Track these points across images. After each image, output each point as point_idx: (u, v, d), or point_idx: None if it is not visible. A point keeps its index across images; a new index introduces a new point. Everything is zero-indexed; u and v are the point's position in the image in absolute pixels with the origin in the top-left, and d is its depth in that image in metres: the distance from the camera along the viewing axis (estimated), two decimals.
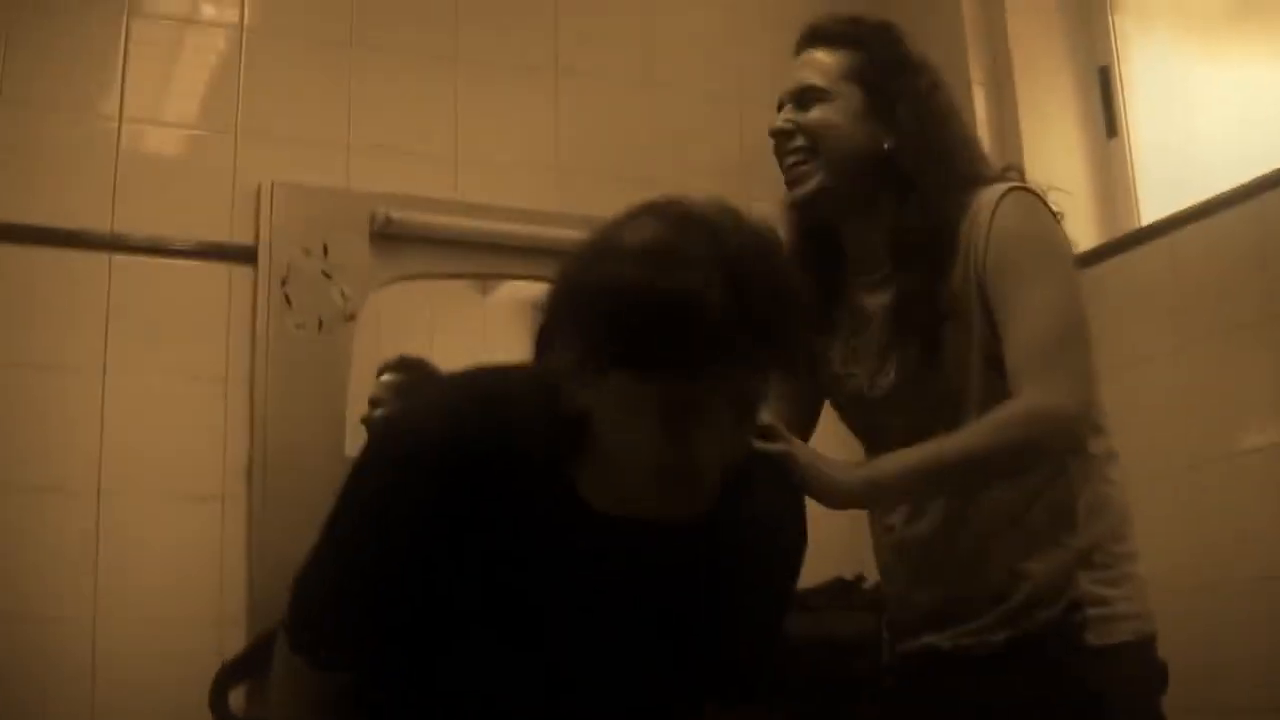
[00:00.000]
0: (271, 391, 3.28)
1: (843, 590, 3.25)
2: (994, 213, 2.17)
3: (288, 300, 3.33)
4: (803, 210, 2.32)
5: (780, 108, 2.33)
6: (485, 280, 3.72)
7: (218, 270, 3.35)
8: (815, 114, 2.27)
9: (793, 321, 1.60)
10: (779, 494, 1.89)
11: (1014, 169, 2.32)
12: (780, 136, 2.30)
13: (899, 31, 2.35)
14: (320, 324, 3.33)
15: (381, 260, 3.42)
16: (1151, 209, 3.51)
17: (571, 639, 1.75)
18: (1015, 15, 3.77)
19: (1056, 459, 2.19)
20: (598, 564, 1.71)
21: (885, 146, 2.24)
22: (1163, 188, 3.54)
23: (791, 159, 2.29)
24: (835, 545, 3.20)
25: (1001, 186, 2.22)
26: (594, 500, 1.67)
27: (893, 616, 2.41)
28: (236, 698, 3.04)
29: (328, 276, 3.38)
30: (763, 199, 3.75)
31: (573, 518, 1.68)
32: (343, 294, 3.37)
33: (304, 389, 3.06)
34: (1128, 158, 3.67)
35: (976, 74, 3.76)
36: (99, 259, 3.24)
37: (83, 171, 3.28)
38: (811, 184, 2.27)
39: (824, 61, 2.30)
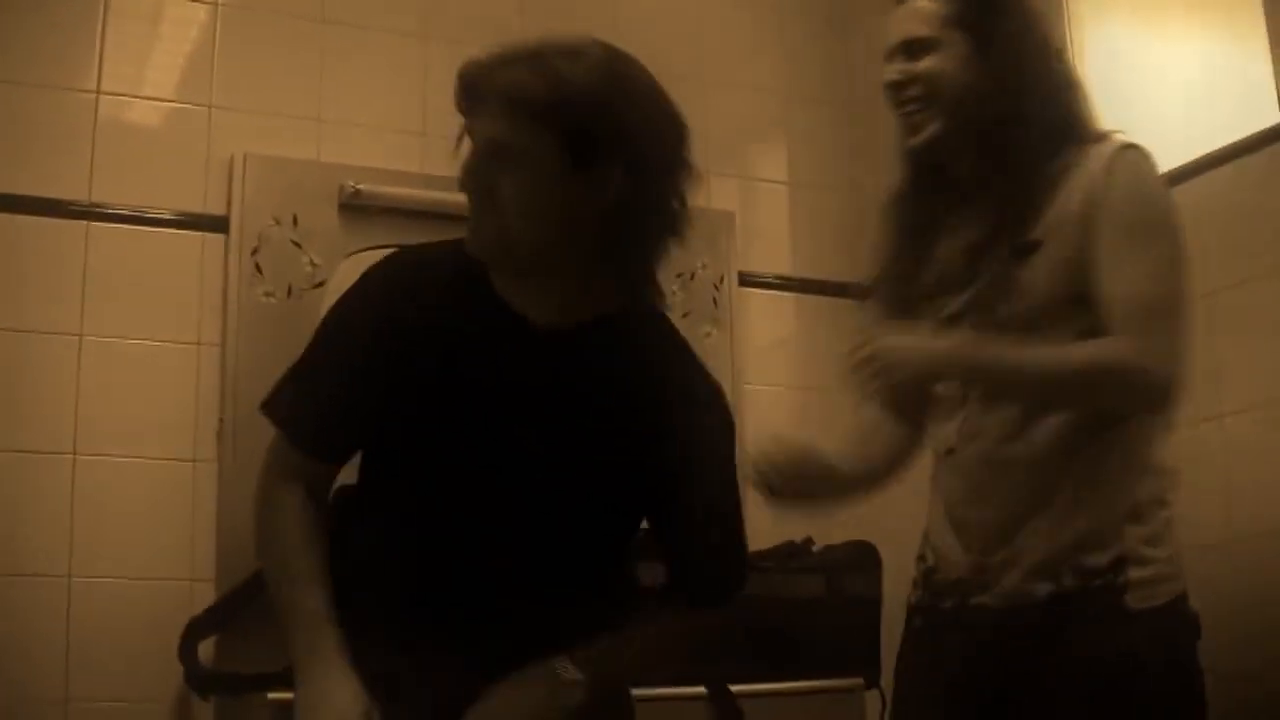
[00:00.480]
0: (242, 357, 3.33)
1: (791, 553, 3.34)
2: (1110, 168, 2.23)
3: (258, 268, 3.39)
4: (921, 155, 2.40)
5: (889, 58, 2.40)
6: None
7: (191, 239, 3.41)
8: (926, 63, 2.34)
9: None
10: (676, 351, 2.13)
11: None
12: (895, 88, 2.38)
13: None
14: (290, 291, 3.40)
15: (350, 230, 3.46)
16: None
17: (505, 443, 1.97)
18: None
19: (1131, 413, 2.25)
20: (522, 365, 1.97)
21: (993, 87, 2.31)
22: None
23: (909, 108, 2.37)
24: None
25: (1117, 141, 2.28)
26: (514, 305, 1.98)
27: (937, 560, 2.39)
28: (205, 650, 3.11)
29: (297, 245, 3.43)
30: (735, 175, 3.91)
31: (496, 320, 1.97)
32: (312, 262, 3.43)
33: (273, 354, 3.09)
34: None
35: None
36: (77, 227, 3.30)
37: (62, 142, 3.33)
38: (929, 131, 2.35)
39: (927, 9, 2.36)
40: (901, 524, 2.59)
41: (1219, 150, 3.10)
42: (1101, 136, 2.32)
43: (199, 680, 3.07)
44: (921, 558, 2.44)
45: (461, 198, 1.95)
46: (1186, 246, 2.25)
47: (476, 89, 1.96)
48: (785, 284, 4.09)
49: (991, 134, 2.32)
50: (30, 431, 3.21)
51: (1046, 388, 2.23)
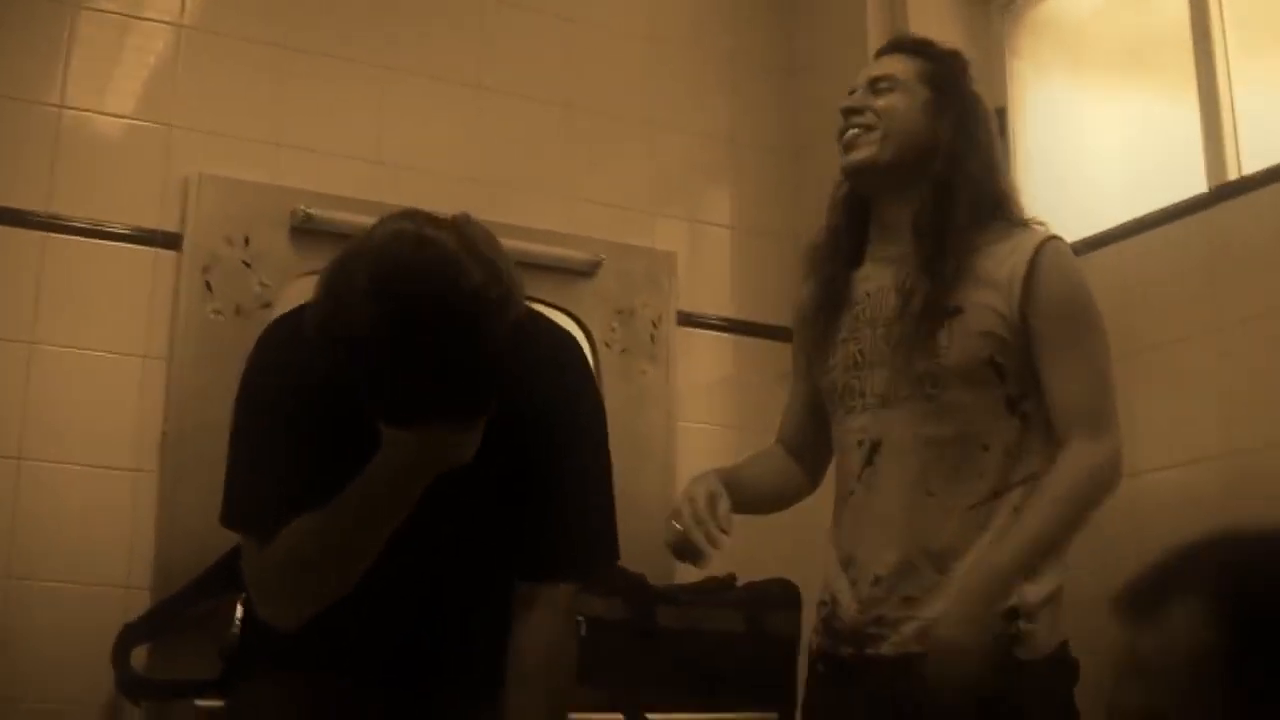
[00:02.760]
0: (187, 372, 3.36)
1: (714, 589, 3.41)
2: (1036, 259, 2.36)
3: (208, 286, 3.42)
4: (851, 177, 2.51)
5: (852, 90, 2.53)
6: None
7: (145, 254, 3.44)
8: (885, 100, 2.48)
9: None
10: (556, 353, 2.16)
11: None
12: (848, 112, 2.50)
13: (965, 60, 2.56)
14: (237, 310, 3.42)
15: (300, 253, 3.49)
16: None
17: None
18: None
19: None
20: None
21: (938, 141, 2.44)
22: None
23: (852, 131, 2.48)
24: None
25: (1042, 231, 2.42)
26: None
27: (834, 607, 2.46)
28: (138, 656, 3.13)
29: (248, 266, 3.46)
30: (679, 217, 3.98)
31: None
32: (261, 283, 3.46)
33: (218, 371, 3.11)
34: None
35: None
36: (36, 237, 3.33)
37: (24, 154, 3.36)
38: (865, 153, 2.46)
39: (902, 61, 2.52)
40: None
41: (1151, 214, 3.18)
42: (1026, 221, 2.44)
43: (130, 685, 3.09)
44: (822, 603, 2.51)
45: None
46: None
47: None
48: (724, 325, 4.14)
49: (927, 189, 2.42)
50: None
51: (1065, 534, 2.33)
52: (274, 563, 2.00)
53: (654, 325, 3.95)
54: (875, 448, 2.42)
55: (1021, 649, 2.28)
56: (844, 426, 2.51)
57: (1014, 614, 2.28)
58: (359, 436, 1.91)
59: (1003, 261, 2.37)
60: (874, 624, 2.37)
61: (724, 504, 2.36)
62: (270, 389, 2.05)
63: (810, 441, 2.65)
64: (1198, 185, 3.11)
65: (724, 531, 2.32)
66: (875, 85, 2.50)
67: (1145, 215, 3.19)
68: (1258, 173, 2.96)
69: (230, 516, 2.07)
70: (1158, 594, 1.32)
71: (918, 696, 2.26)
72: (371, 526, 1.96)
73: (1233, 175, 3.05)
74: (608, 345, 3.80)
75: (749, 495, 2.51)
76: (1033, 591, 2.30)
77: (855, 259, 2.54)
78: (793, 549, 3.35)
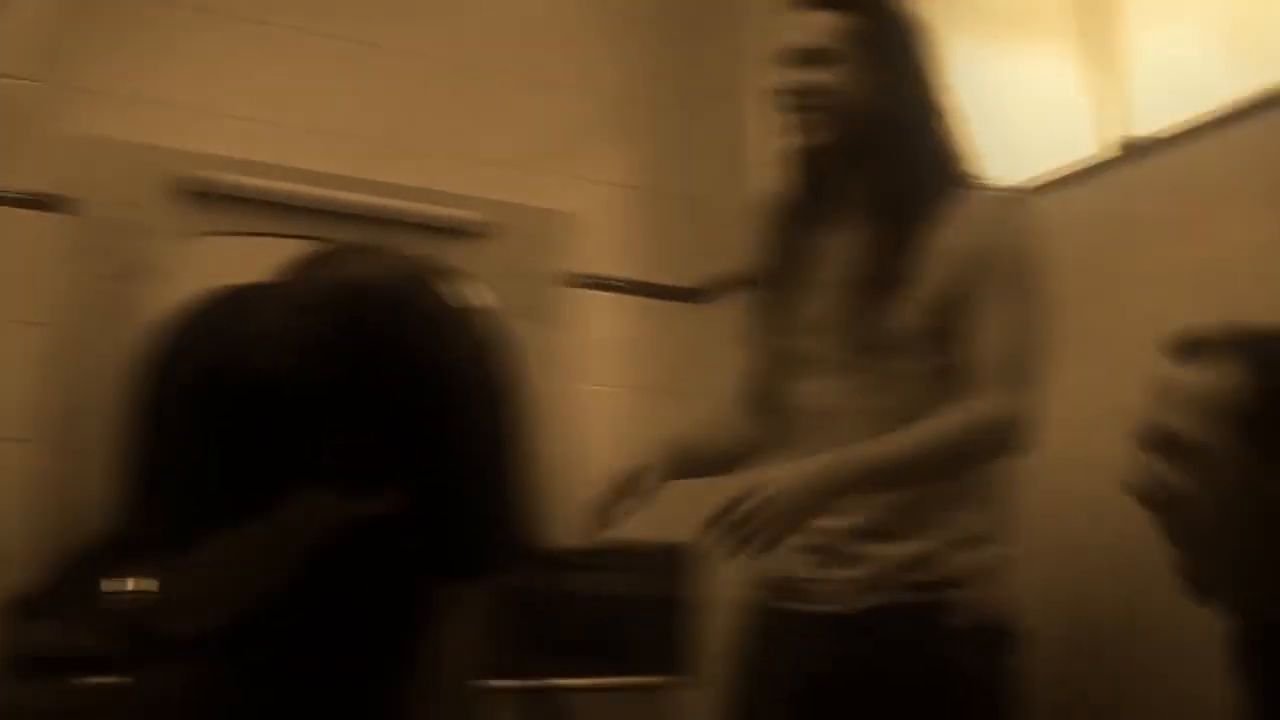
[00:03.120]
0: (79, 338, 3.31)
1: (607, 552, 3.39)
2: (997, 221, 2.34)
3: (94, 250, 3.37)
4: (807, 162, 2.47)
5: (785, 64, 2.44)
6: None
7: (30, 217, 3.38)
8: (825, 75, 2.40)
9: None
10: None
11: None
12: (789, 95, 2.43)
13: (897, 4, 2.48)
14: (127, 274, 3.37)
15: (188, 216, 3.46)
16: None
17: None
18: None
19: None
20: None
21: (884, 108, 2.39)
22: None
23: (801, 115, 2.42)
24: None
25: (1002, 192, 2.39)
26: None
27: (779, 564, 2.41)
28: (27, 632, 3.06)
29: (135, 229, 3.42)
30: (581, 177, 3.94)
31: None
32: (148, 247, 3.41)
33: (109, 336, 3.12)
34: None
35: None
36: None
37: None
38: (820, 137, 2.41)
39: (830, 21, 2.41)
40: None
41: (1046, 177, 3.14)
42: (983, 183, 2.41)
43: (9, 659, 3.03)
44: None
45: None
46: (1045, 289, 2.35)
47: None
48: (627, 287, 4.14)
49: (879, 160, 2.39)
50: None
51: (931, 468, 2.29)
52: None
53: (551, 287, 3.93)
54: (819, 414, 2.42)
55: (953, 615, 2.29)
56: (790, 390, 2.50)
57: (947, 583, 2.30)
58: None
59: (960, 230, 2.35)
60: (808, 581, 2.38)
61: (650, 478, 2.39)
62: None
63: (767, 401, 2.62)
64: (1091, 148, 3.11)
65: (642, 502, 2.38)
66: (810, 58, 2.43)
67: (1039, 177, 3.18)
68: (1153, 135, 2.97)
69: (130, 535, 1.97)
70: (1203, 345, 1.75)
71: (850, 654, 2.30)
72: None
73: (1129, 137, 3.05)
74: (504, 308, 3.75)
75: (706, 458, 2.56)
76: (966, 561, 2.32)
77: (813, 220, 2.50)
78: (689, 511, 3.34)
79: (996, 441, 2.30)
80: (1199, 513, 1.73)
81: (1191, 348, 1.76)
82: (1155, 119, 2.95)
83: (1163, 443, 1.75)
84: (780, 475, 2.20)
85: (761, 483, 2.17)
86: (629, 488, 2.37)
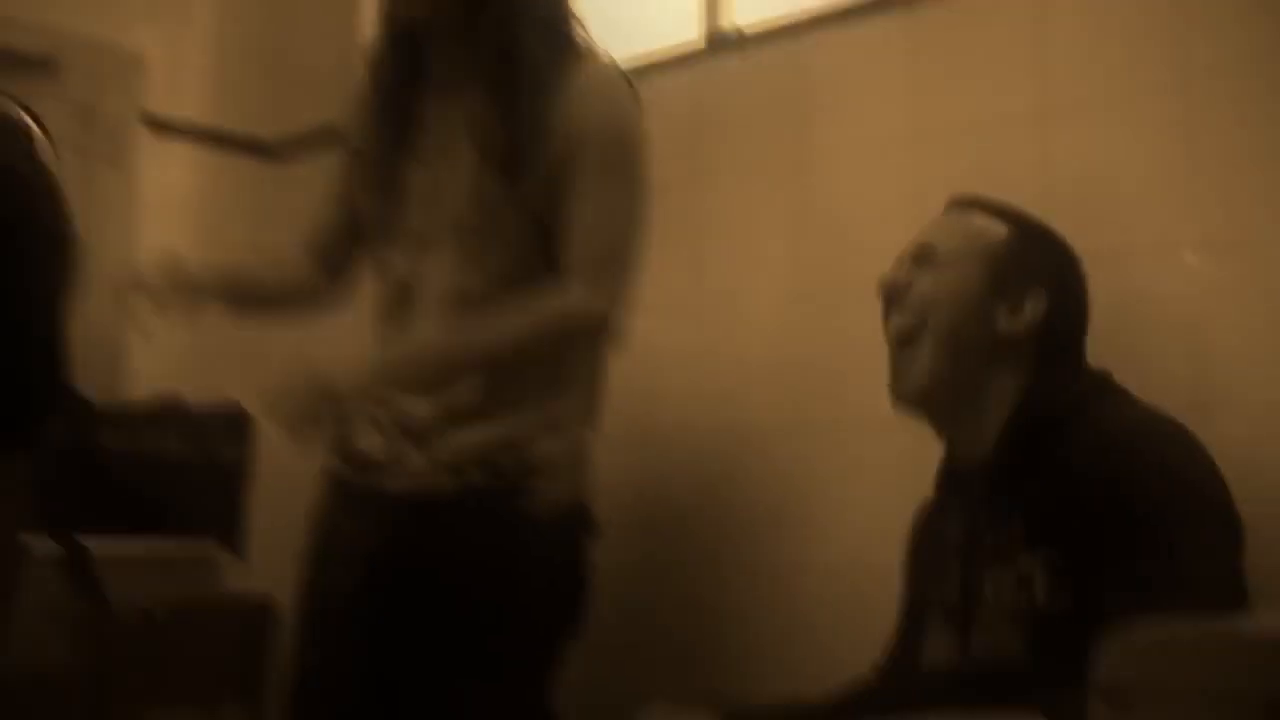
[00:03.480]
0: None
1: (161, 411, 3.28)
2: (593, 95, 2.27)
3: None
4: (406, 25, 2.35)
5: None
6: None
7: None
8: None
9: None
10: None
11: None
12: None
13: None
14: None
15: None
16: None
17: None
18: None
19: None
20: None
21: None
22: None
23: None
24: (165, 364, 3.26)
25: (602, 64, 2.32)
26: None
27: (350, 436, 2.39)
28: None
29: None
30: (161, 13, 3.72)
31: None
32: None
33: None
34: None
35: None
36: None
37: None
38: (417, 8, 2.30)
39: None
40: None
41: (640, 65, 3.09)
42: (594, 56, 2.35)
43: None
44: (342, 427, 2.42)
45: None
46: (647, 176, 2.33)
47: None
48: (199, 133, 3.93)
49: (485, 26, 2.29)
50: None
51: (506, 357, 2.27)
52: None
53: (116, 129, 3.70)
54: (408, 289, 2.35)
55: (531, 501, 2.26)
56: (380, 259, 2.43)
57: (527, 468, 2.27)
58: None
59: (564, 106, 2.28)
60: (389, 457, 2.32)
61: (187, 271, 2.34)
62: None
63: (334, 257, 2.56)
64: (692, 34, 3.10)
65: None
66: None
67: (636, 66, 3.15)
68: (750, 26, 2.98)
69: None
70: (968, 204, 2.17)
71: (422, 538, 2.27)
72: None
73: (726, 26, 3.05)
74: (66, 146, 3.52)
75: (250, 284, 2.50)
76: (550, 446, 2.29)
77: (415, 85, 2.40)
78: (247, 372, 3.24)
79: (584, 333, 2.30)
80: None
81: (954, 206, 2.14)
82: (758, 9, 2.96)
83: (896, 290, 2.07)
84: (346, 362, 2.18)
85: (325, 368, 2.15)
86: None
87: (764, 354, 2.83)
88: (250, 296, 2.53)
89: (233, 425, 3.30)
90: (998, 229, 2.08)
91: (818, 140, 2.80)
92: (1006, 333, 2.01)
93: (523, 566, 2.25)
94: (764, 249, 2.88)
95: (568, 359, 2.34)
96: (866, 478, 2.62)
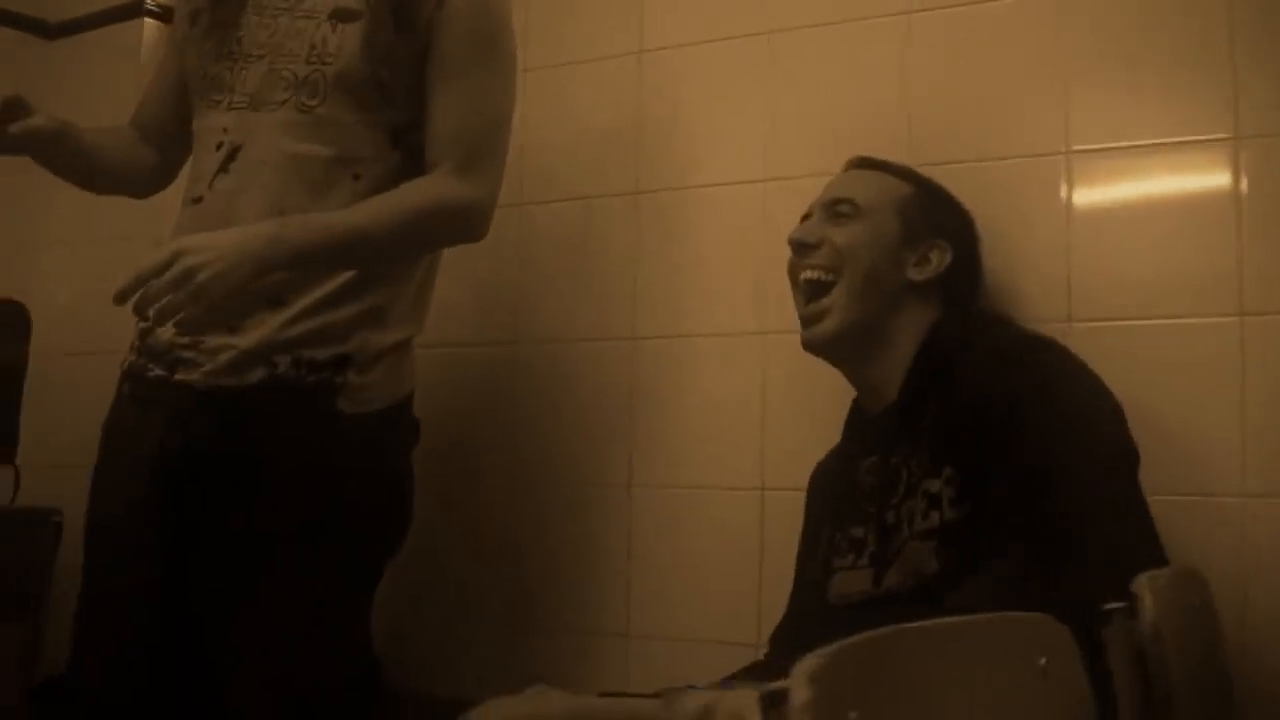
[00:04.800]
0: None
1: None
2: None
3: None
4: None
5: None
6: None
7: None
8: None
9: None
10: None
11: None
12: None
13: None
14: None
15: None
16: None
17: None
18: None
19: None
20: None
21: None
22: None
23: None
24: None
25: None
26: None
27: (150, 326, 2.14)
28: None
29: None
30: None
31: None
32: None
33: None
34: None
35: None
36: None
37: None
38: None
39: None
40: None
41: None
42: None
43: None
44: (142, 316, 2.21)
45: None
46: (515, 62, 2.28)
47: None
48: None
49: None
50: None
51: (380, 248, 2.15)
52: None
53: None
54: (234, 153, 2.19)
55: (344, 400, 2.14)
56: (204, 122, 2.27)
57: (342, 362, 2.14)
58: None
59: None
60: (190, 348, 2.14)
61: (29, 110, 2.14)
62: None
63: (169, 130, 2.41)
64: None
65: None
66: None
67: None
68: None
69: None
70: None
71: (223, 432, 2.10)
72: None
73: None
74: None
75: (90, 148, 2.29)
76: (371, 339, 2.17)
77: None
78: (25, 266, 3.06)
79: (461, 225, 2.22)
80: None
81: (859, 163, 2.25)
82: None
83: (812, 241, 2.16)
84: (210, 245, 1.99)
85: (187, 250, 1.97)
86: None
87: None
88: (85, 160, 2.31)
89: (9, 322, 3.10)
90: (905, 186, 2.21)
91: None
92: (916, 281, 2.13)
93: (330, 468, 2.12)
94: None
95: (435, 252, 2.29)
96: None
